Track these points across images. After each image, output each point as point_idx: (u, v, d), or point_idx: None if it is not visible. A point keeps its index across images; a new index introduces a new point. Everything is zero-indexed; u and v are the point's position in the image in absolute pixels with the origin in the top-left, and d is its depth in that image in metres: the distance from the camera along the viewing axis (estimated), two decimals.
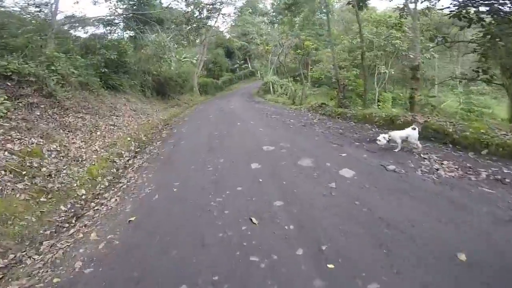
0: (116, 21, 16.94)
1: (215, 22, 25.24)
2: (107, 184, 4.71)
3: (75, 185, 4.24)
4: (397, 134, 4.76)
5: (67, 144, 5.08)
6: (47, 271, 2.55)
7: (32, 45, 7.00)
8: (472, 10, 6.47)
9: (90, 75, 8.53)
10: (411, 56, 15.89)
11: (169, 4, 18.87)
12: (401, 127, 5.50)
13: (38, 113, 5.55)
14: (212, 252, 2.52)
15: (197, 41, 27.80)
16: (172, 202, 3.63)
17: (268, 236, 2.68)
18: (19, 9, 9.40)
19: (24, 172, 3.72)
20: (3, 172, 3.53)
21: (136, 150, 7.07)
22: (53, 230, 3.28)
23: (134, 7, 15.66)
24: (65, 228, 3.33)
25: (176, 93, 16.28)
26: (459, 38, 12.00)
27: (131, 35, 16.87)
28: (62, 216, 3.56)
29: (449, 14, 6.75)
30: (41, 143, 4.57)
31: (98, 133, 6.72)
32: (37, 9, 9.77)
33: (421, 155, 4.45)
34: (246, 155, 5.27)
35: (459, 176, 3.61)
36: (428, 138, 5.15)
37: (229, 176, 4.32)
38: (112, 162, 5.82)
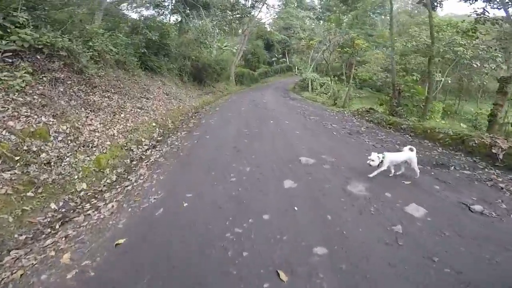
0: (166, 3, 16.99)
1: (259, 12, 24.42)
2: (114, 178, 4.04)
3: (76, 177, 3.61)
4: (393, 157, 3.76)
5: (80, 126, 4.52)
6: None
7: (74, 20, 6.71)
8: None
9: (129, 54, 8.20)
10: (475, 65, 13.56)
11: None
12: (474, 150, 4.99)
13: (62, 89, 5.11)
14: None
15: (239, 31, 27.15)
16: (177, 224, 2.76)
17: None
18: None
19: (17, 158, 3.12)
20: None
21: (158, 138, 6.46)
22: (30, 236, 2.62)
23: None
24: (44, 235, 2.66)
25: (213, 80, 15.77)
26: None
27: (177, 19, 16.55)
28: (48, 217, 2.91)
29: None
30: (51, 122, 4.03)
31: (122, 115, 6.20)
32: None
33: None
34: (278, 166, 4.25)
35: None
36: None
37: (255, 194, 3.35)
38: (128, 150, 5.22)
